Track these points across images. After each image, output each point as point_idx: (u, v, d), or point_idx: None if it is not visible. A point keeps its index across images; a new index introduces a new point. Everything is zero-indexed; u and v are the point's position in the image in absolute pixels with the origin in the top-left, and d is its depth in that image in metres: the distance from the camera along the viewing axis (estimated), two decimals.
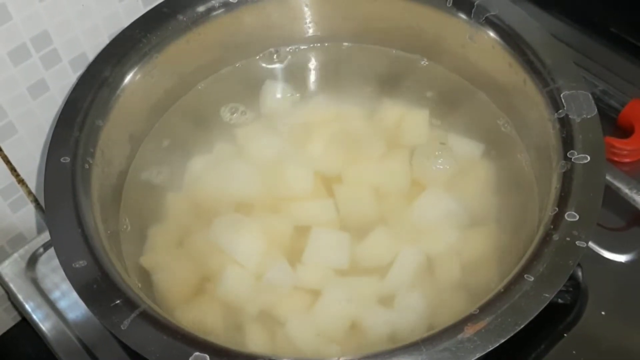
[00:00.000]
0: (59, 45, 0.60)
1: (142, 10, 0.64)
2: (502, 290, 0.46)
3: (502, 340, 0.44)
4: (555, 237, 0.48)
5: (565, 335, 0.56)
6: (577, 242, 0.48)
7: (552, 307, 0.46)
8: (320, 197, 0.60)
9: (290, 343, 0.53)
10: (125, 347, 0.54)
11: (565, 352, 0.56)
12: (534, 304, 0.45)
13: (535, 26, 0.60)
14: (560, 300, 0.57)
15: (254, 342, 0.53)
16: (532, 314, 0.45)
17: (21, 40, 0.57)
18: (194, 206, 0.61)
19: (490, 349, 0.43)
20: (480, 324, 0.44)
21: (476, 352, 0.43)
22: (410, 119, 0.64)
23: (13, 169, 0.63)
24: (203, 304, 0.56)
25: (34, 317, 0.61)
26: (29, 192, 0.65)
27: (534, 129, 0.59)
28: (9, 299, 0.66)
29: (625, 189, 0.61)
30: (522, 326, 0.44)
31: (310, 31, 0.69)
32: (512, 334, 0.44)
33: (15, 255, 0.64)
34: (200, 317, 0.54)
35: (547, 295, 0.45)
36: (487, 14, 0.61)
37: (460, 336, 0.44)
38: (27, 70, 0.59)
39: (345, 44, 0.70)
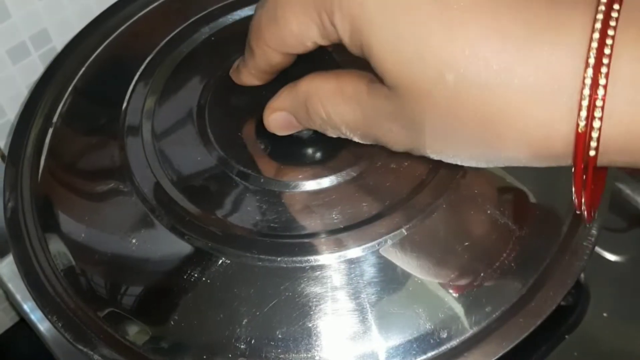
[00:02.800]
0: (58, 43, 0.59)
1: None
2: None
3: (512, 345, 0.44)
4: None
5: (566, 337, 0.57)
6: (584, 243, 0.48)
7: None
8: None
9: None
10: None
11: (566, 354, 0.56)
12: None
13: None
14: (562, 302, 0.57)
15: None
16: (541, 316, 0.45)
17: (20, 38, 0.57)
18: None
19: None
20: None
21: None
22: None
23: None
24: None
25: (32, 317, 0.60)
26: None
27: None
28: (7, 299, 0.66)
29: (627, 190, 0.61)
30: (529, 331, 0.44)
31: None
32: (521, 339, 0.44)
33: None
34: None
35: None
36: None
37: None
38: (26, 69, 0.58)
39: None
